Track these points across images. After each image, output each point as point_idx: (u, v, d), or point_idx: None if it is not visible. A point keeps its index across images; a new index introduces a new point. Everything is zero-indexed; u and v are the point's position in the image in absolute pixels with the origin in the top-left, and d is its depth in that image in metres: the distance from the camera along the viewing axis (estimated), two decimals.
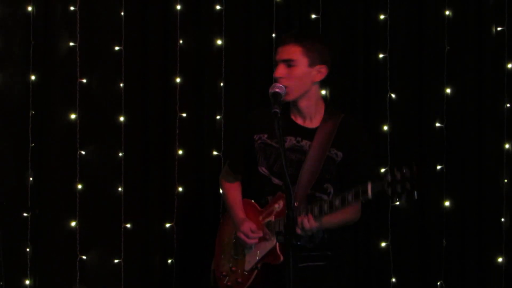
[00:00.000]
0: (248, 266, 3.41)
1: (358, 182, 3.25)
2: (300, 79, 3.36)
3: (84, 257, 4.48)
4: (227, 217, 3.63)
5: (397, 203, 3.02)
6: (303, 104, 3.42)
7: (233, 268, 3.48)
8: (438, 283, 4.61)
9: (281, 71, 3.35)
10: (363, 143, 3.41)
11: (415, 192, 2.94)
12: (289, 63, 3.35)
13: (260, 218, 3.43)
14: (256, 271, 3.38)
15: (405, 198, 2.97)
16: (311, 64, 3.37)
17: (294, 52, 3.35)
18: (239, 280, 3.44)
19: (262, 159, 3.47)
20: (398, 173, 2.97)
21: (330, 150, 3.38)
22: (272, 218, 3.37)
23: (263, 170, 3.46)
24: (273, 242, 3.32)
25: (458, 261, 4.61)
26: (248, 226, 3.41)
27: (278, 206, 3.36)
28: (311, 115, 3.45)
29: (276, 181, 3.42)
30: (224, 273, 3.52)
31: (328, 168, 3.37)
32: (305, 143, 3.41)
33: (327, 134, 3.39)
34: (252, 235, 3.39)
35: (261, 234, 3.38)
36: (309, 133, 3.42)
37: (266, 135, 3.47)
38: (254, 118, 3.58)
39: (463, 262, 4.61)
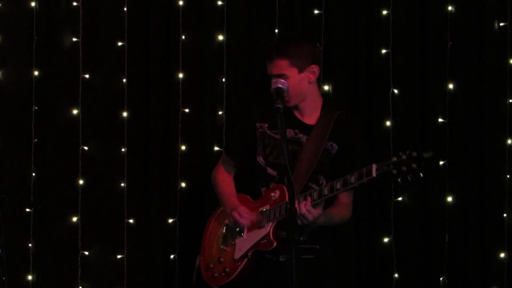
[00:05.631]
0: (238, 253, 3.41)
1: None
2: (295, 87, 3.43)
3: (86, 253, 4.48)
4: (216, 214, 3.65)
5: (399, 180, 3.00)
6: (302, 104, 3.51)
7: (221, 259, 3.48)
8: (441, 279, 4.61)
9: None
10: (357, 137, 3.45)
11: (421, 173, 2.96)
12: (281, 77, 3.40)
13: (256, 207, 3.45)
14: (246, 259, 3.37)
15: (411, 178, 2.98)
16: (301, 71, 3.43)
17: (281, 66, 3.41)
18: (227, 269, 3.43)
19: (261, 148, 3.53)
20: (403, 154, 3.00)
21: (326, 143, 3.43)
22: (267, 206, 3.39)
23: (260, 159, 3.51)
24: (266, 229, 3.33)
25: (460, 257, 4.61)
26: (242, 207, 3.44)
27: (274, 195, 3.39)
28: (309, 112, 3.52)
29: (270, 171, 3.48)
30: (211, 265, 3.52)
31: (324, 161, 3.41)
32: (301, 136, 3.47)
33: (323, 130, 3.45)
34: (246, 215, 3.40)
35: (255, 218, 3.40)
36: (306, 128, 3.48)
37: (266, 125, 3.53)
38: (257, 106, 3.64)
39: (466, 258, 4.61)
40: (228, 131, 4.53)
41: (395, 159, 3.01)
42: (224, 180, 3.65)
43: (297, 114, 3.52)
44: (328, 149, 3.44)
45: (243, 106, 4.55)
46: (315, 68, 3.46)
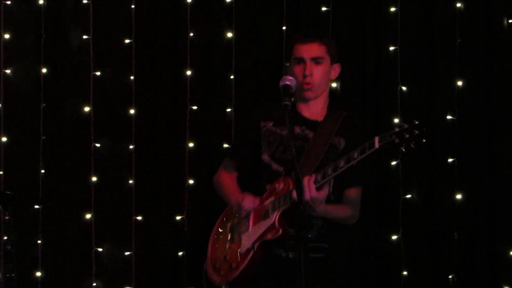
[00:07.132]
0: (244, 247, 3.38)
1: (358, 173, 3.28)
2: (324, 76, 3.48)
3: (100, 249, 4.49)
4: (220, 218, 3.64)
5: (403, 149, 3.00)
6: (316, 101, 3.51)
7: (227, 256, 3.46)
8: (450, 277, 4.59)
9: (310, 68, 3.44)
10: (367, 133, 3.36)
11: (423, 138, 2.96)
12: (317, 60, 3.44)
13: (261, 201, 3.43)
14: (252, 252, 3.34)
15: (414, 144, 2.98)
16: (332, 62, 3.51)
17: (321, 50, 3.46)
18: (233, 265, 3.39)
19: (266, 146, 3.52)
20: (405, 124, 3.01)
21: (334, 138, 3.42)
22: (272, 198, 3.38)
23: (264, 157, 3.51)
24: (272, 219, 3.31)
25: (469, 255, 4.58)
26: (247, 194, 3.45)
27: (279, 186, 3.38)
28: (318, 110, 3.53)
29: (275, 166, 3.47)
30: (217, 265, 3.49)
31: (330, 156, 3.39)
32: (308, 132, 3.47)
33: (331, 126, 3.46)
34: (250, 197, 3.41)
35: (258, 203, 3.40)
36: (313, 125, 3.49)
37: (271, 123, 3.53)
38: (261, 107, 3.67)
39: (475, 256, 4.58)
40: (234, 134, 4.52)
41: (397, 129, 3.01)
42: (227, 179, 3.65)
43: (304, 111, 3.52)
44: (335, 145, 3.43)
45: (250, 104, 4.56)
46: (338, 67, 3.54)
